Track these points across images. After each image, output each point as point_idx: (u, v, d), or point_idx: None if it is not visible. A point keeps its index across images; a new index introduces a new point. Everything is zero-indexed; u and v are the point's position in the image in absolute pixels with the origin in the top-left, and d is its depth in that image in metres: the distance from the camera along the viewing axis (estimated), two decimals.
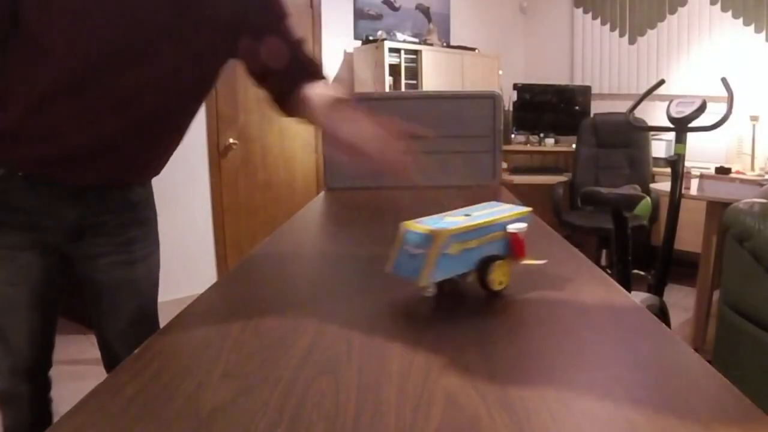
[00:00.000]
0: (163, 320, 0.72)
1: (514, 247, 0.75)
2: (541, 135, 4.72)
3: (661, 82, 2.74)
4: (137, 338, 0.65)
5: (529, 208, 0.80)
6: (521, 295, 0.72)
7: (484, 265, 0.72)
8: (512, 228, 0.75)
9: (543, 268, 0.85)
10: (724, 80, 2.52)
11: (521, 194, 3.87)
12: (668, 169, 2.56)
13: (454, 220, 0.72)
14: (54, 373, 1.33)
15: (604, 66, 4.76)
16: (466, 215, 0.75)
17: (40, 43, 0.85)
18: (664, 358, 0.53)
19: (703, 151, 3.89)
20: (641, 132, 3.89)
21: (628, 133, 3.95)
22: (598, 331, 0.60)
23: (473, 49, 4.49)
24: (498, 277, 0.73)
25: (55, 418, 0.45)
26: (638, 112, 3.43)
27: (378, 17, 4.29)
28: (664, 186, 2.90)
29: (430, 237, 0.67)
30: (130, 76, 0.91)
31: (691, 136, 2.49)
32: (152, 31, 0.90)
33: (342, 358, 0.55)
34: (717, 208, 2.74)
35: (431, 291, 0.72)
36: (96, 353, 1.28)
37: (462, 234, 0.69)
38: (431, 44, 4.21)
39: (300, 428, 0.43)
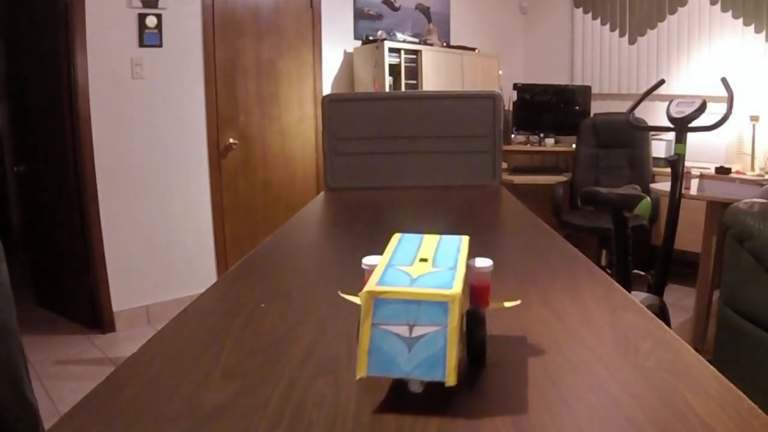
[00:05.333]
0: (163, 320, 0.72)
1: (478, 293, 0.56)
2: (541, 135, 4.72)
3: (661, 82, 2.74)
4: None
5: (467, 237, 0.60)
6: (520, 295, 0.72)
7: (477, 322, 0.51)
8: (480, 267, 0.55)
9: (542, 268, 0.84)
10: (724, 80, 2.52)
11: (521, 194, 3.85)
12: (668, 169, 2.56)
13: (421, 265, 0.51)
14: (54, 372, 1.33)
15: (604, 66, 4.76)
16: (422, 260, 0.53)
17: None
18: (664, 357, 0.53)
19: (703, 151, 3.89)
20: (641, 132, 3.89)
21: (628, 133, 3.96)
22: (598, 331, 0.60)
23: (473, 49, 4.50)
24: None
25: (55, 419, 0.45)
26: (638, 112, 3.42)
27: (378, 17, 4.29)
28: (664, 186, 2.90)
29: (445, 305, 0.45)
30: None
31: (691, 136, 2.49)
32: None
33: (342, 358, 0.55)
34: (717, 208, 2.74)
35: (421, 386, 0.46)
36: (96, 353, 1.28)
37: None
38: (431, 44, 4.22)
39: (300, 428, 0.43)
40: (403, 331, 0.45)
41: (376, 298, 0.46)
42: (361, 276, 0.56)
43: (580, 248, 0.96)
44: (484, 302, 0.56)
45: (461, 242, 0.58)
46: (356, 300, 0.50)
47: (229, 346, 0.58)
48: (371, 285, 0.47)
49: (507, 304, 0.59)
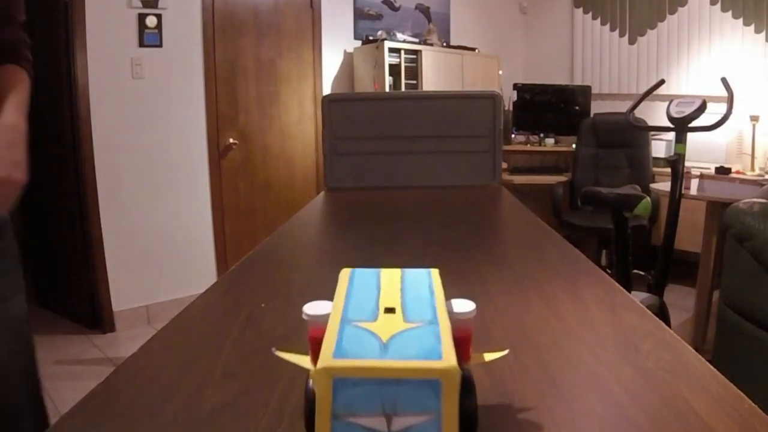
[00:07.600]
0: (163, 320, 0.72)
1: (458, 346, 0.41)
2: (541, 135, 4.72)
3: (661, 82, 2.74)
4: None
5: (435, 270, 0.45)
6: (520, 295, 0.72)
7: (465, 389, 0.36)
8: (460, 312, 0.40)
9: (542, 268, 0.84)
10: (723, 80, 2.52)
11: (521, 194, 3.85)
12: (668, 169, 2.56)
13: (389, 318, 0.37)
14: (54, 372, 1.32)
15: (604, 66, 4.76)
16: (388, 310, 0.38)
17: None
18: (664, 357, 0.53)
19: (703, 151, 3.90)
20: (641, 132, 3.89)
21: (628, 133, 3.96)
22: (598, 331, 0.60)
23: (473, 49, 4.50)
24: None
25: (55, 419, 0.45)
26: (638, 112, 3.43)
27: (378, 17, 4.29)
28: (664, 186, 2.90)
29: (435, 385, 0.31)
30: None
31: (691, 136, 2.49)
32: None
33: None
34: (717, 208, 2.74)
35: None
36: (96, 353, 1.27)
37: None
38: (431, 44, 4.22)
39: (300, 428, 0.43)
40: (379, 424, 0.31)
41: (336, 378, 0.31)
42: None
43: (580, 248, 0.96)
44: (464, 357, 0.41)
45: (431, 280, 0.43)
46: (301, 362, 0.37)
47: (229, 345, 0.58)
48: (326, 357, 0.31)
49: (489, 357, 0.42)
